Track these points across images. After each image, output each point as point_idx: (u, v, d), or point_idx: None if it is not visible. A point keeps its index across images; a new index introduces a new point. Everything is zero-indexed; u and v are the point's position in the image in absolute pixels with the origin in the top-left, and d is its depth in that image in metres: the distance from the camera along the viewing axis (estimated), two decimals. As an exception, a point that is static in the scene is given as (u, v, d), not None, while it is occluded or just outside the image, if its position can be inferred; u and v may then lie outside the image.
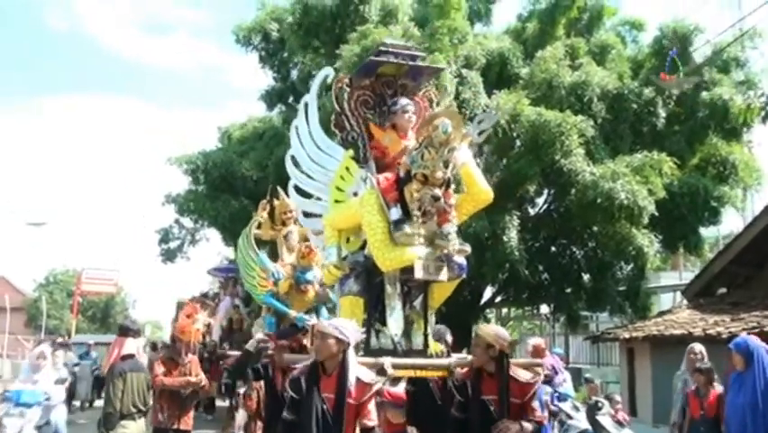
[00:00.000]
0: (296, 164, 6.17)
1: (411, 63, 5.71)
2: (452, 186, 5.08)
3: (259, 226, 10.30)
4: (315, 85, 6.18)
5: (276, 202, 10.39)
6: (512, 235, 14.05)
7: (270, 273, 8.96)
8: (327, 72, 6.19)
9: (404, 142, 5.45)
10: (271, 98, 21.67)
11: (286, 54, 19.51)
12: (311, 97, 6.15)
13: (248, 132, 20.46)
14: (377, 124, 5.69)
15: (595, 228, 15.29)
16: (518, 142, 14.59)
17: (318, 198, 6.07)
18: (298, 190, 6.24)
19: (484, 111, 14.28)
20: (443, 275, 5.07)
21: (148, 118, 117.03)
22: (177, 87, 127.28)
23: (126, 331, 7.05)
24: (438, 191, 4.88)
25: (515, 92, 14.82)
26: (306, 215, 6.41)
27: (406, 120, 5.52)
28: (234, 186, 18.94)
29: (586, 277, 16.87)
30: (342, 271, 5.43)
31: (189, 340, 7.16)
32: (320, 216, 6.04)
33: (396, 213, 4.95)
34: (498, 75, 16.02)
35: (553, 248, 17.33)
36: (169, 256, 22.82)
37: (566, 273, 16.65)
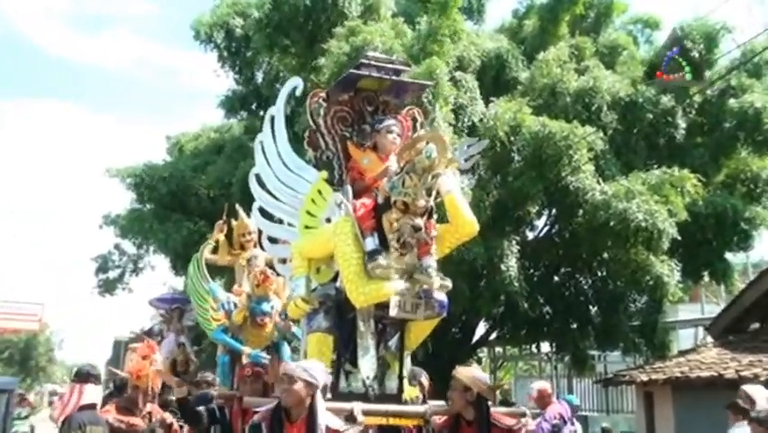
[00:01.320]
0: (261, 184, 6.26)
1: (395, 78, 5.89)
2: (435, 215, 5.23)
3: (215, 251, 10.15)
4: (282, 97, 6.27)
5: (233, 223, 10.25)
6: (511, 263, 14.17)
7: (221, 304, 8.80)
8: (296, 83, 6.30)
9: (384, 165, 5.60)
10: (232, 104, 21.65)
11: (250, 54, 19.47)
12: (278, 110, 6.26)
13: (203, 143, 20.36)
14: (355, 142, 5.83)
15: (606, 255, 15.45)
16: (518, 157, 14.72)
17: (286, 223, 6.15)
18: (264, 213, 6.32)
19: (481, 120, 14.36)
20: (421, 313, 5.21)
21: (81, 125, 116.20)
22: (115, 90, 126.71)
23: (86, 377, 6.91)
24: (419, 221, 5.01)
25: (514, 99, 14.91)
26: (272, 240, 6.49)
27: (389, 141, 5.69)
28: (188, 205, 18.86)
29: (594, 310, 17.03)
30: (310, 306, 5.50)
31: (147, 386, 6.97)
32: (287, 242, 6.14)
33: (371, 243, 5.08)
34: (494, 79, 16.25)
35: (557, 277, 17.49)
36: (107, 288, 22.57)
37: (571, 306, 16.79)
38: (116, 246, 22.36)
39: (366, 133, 5.80)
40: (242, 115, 21.72)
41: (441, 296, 5.24)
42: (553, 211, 16.74)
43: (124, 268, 22.75)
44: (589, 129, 14.28)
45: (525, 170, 14.49)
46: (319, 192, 5.74)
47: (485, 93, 15.24)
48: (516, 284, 14.17)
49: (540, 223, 17.56)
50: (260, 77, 20.70)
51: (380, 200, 5.16)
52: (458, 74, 14.75)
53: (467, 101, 14.45)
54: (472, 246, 12.60)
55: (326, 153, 5.87)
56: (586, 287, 17.10)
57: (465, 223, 5.32)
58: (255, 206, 6.29)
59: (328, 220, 5.67)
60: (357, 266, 5.04)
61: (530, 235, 17.37)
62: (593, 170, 14.40)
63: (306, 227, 5.79)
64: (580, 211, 14.51)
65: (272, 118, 6.20)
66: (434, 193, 5.03)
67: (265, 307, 8.23)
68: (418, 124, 6.17)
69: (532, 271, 16.46)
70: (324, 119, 5.85)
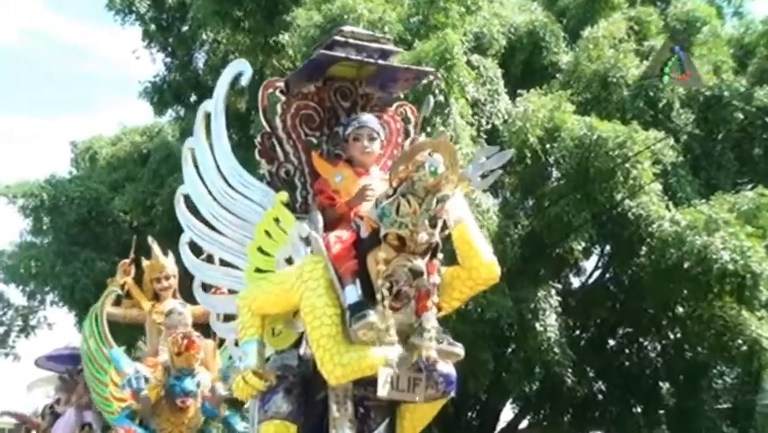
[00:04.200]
0: (192, 209, 6.15)
1: (381, 63, 5.79)
2: (440, 255, 5.04)
3: (118, 302, 10.14)
4: (221, 85, 6.09)
5: (145, 263, 10.26)
6: (549, 322, 14.18)
7: (126, 380, 8.74)
8: (241, 67, 6.13)
9: (363, 181, 5.51)
10: (161, 96, 21.71)
11: (186, 28, 19.61)
12: (215, 103, 6.07)
13: (124, 150, 20.42)
14: (322, 154, 5.78)
15: (680, 309, 15.46)
16: (557, 172, 14.76)
17: (228, 264, 6.06)
18: (195, 250, 6.22)
19: (505, 121, 14.40)
20: (420, 393, 5.07)
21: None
22: None
23: None
24: (420, 262, 4.89)
25: (551, 92, 15.02)
26: (207, 288, 6.40)
27: (360, 151, 5.61)
28: (103, 237, 18.97)
29: (666, 388, 17.14)
30: (265, 382, 5.37)
31: None
32: (231, 292, 6.10)
33: (353, 293, 4.96)
34: (524, 64, 16.44)
35: (613, 342, 17.51)
36: (-16, 352, 22.58)
37: (633, 382, 16.90)
38: (-2, 296, 22.40)
39: (340, 139, 5.74)
40: (175, 112, 21.84)
41: (447, 368, 5.10)
42: (607, 248, 16.84)
43: (10, 326, 22.89)
44: (654, 134, 14.32)
45: (566, 190, 14.59)
46: (276, 221, 5.66)
47: (512, 84, 15.36)
48: (557, 351, 14.21)
49: (588, 265, 17.73)
50: (200, 60, 20.99)
51: (364, 234, 5.03)
52: (474, 57, 14.80)
53: (485, 96, 14.50)
54: (496, 298, 12.50)
55: (285, 167, 5.80)
56: (653, 354, 17.17)
57: (482, 265, 5.17)
58: (183, 239, 6.19)
59: (289, 261, 5.56)
60: (332, 326, 4.91)
61: (575, 282, 17.54)
62: (661, 190, 14.49)
63: (258, 270, 5.73)
64: (644, 248, 14.54)
65: (208, 116, 6.07)
66: (440, 223, 4.85)
67: (188, 384, 8.36)
68: (412, 125, 6.06)
69: (578, 332, 16.54)
70: (281, 119, 5.76)
